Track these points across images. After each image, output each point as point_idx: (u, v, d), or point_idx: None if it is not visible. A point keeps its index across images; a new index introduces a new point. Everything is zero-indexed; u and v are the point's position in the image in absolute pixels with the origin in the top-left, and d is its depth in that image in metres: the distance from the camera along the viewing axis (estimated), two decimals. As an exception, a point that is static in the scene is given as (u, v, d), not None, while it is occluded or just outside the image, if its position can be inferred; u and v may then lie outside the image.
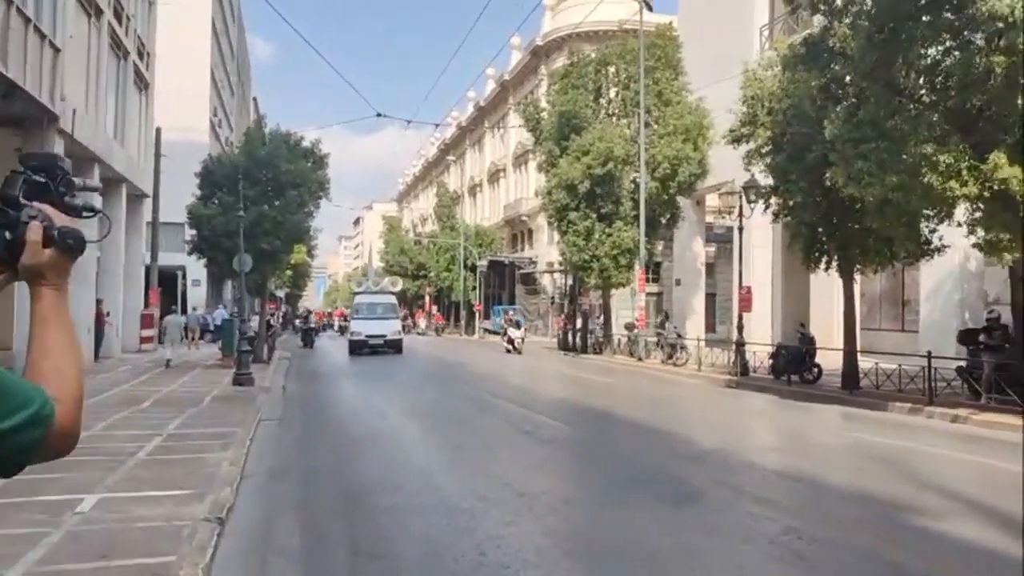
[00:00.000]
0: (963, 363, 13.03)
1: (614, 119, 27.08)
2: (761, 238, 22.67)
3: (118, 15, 21.30)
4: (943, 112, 11.19)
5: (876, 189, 10.96)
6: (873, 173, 10.90)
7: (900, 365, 13.77)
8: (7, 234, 1.20)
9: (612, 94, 27.43)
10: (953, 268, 18.54)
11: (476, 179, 62.33)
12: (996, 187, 10.16)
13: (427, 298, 56.57)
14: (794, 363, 16.37)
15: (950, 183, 10.21)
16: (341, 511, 6.42)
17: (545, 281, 45.52)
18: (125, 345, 23.66)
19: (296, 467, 8.32)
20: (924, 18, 11.02)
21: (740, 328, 18.39)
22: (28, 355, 1.22)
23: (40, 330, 1.21)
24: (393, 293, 33.16)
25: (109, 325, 21.64)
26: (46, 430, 1.14)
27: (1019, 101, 10.02)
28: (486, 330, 45.76)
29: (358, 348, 26.96)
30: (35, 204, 1.23)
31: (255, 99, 71.31)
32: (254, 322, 24.04)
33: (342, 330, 42.27)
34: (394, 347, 27.26)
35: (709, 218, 31.37)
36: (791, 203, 15.59)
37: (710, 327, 30.80)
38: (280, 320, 48.43)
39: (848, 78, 12.61)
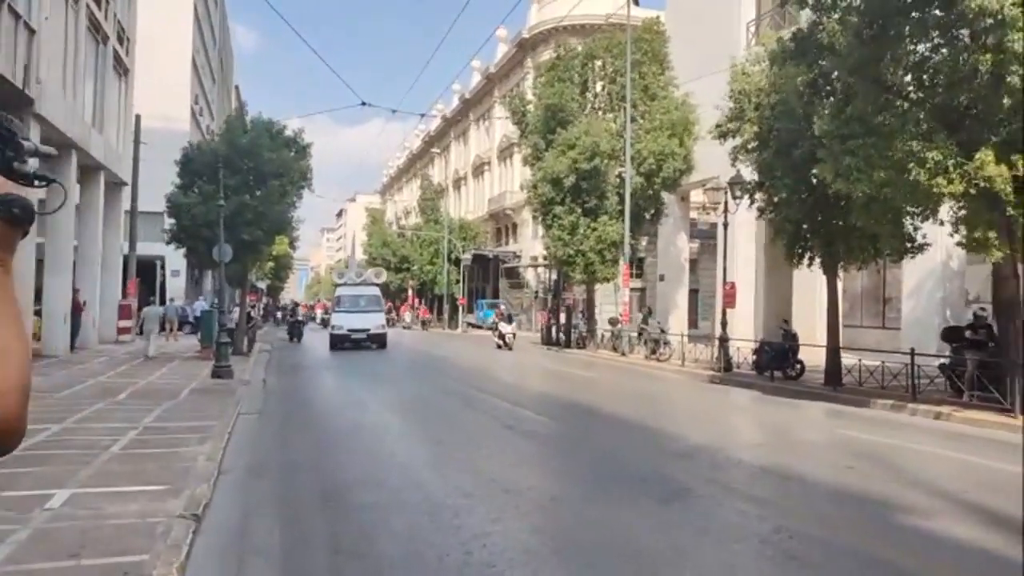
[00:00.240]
0: (946, 360, 13.07)
1: (600, 113, 27.00)
2: (745, 234, 22.70)
3: (97, -2, 20.86)
4: (930, 109, 11.18)
5: (864, 185, 10.94)
6: (861, 169, 10.88)
7: (883, 362, 13.81)
8: None
9: (598, 88, 27.34)
10: (935, 266, 18.65)
11: (460, 172, 62.05)
12: (982, 185, 10.17)
13: (410, 291, 56.27)
14: (777, 359, 16.39)
15: (937, 180, 10.20)
16: (321, 508, 6.26)
17: (529, 275, 45.42)
18: (102, 336, 23.27)
19: (275, 462, 8.15)
20: (913, 14, 11.00)
21: (724, 324, 18.38)
22: None
23: None
24: (377, 285, 31.62)
25: (86, 315, 21.26)
26: None
27: (1005, 100, 10.03)
28: (470, 324, 45.60)
29: (339, 342, 25.99)
30: None
31: (237, 87, 70.46)
32: (235, 314, 23.70)
33: (324, 323, 41.70)
34: (377, 342, 26.30)
35: (693, 214, 31.44)
36: (776, 199, 15.57)
37: (693, 323, 30.89)
38: (261, 312, 48.01)
39: (836, 74, 12.58)
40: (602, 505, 6.31)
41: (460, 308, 46.44)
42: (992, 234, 10.37)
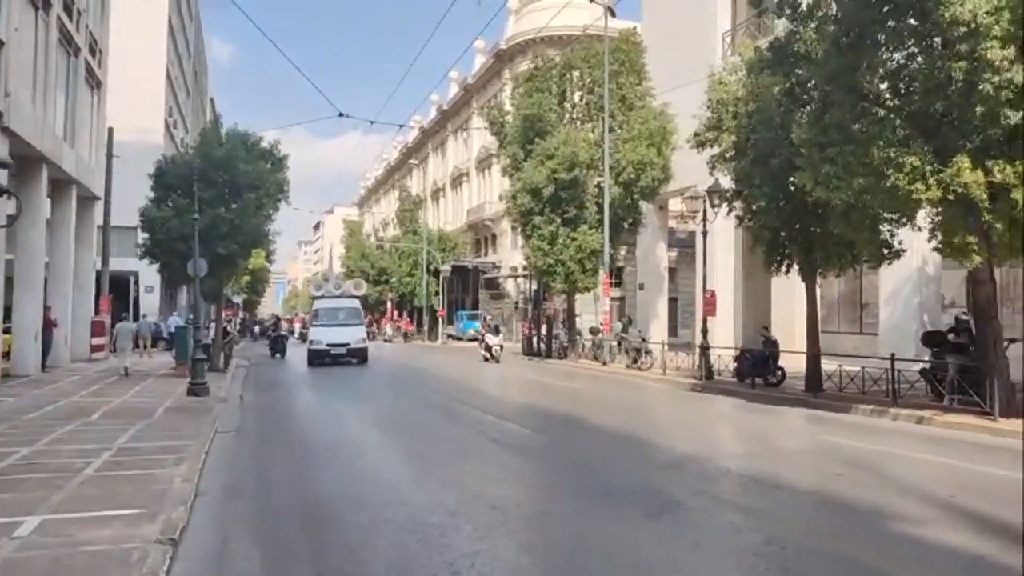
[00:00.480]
0: (927, 365, 13.16)
1: (578, 123, 27.07)
2: (724, 242, 22.82)
3: (68, 9, 20.48)
4: (906, 116, 11.29)
5: (843, 193, 10.99)
6: (840, 177, 10.94)
7: (863, 367, 13.88)
8: None
9: (576, 98, 27.42)
10: (911, 272, 18.84)
11: (439, 183, 61.94)
12: (958, 191, 10.26)
13: (389, 303, 55.91)
14: (758, 366, 16.44)
15: (915, 185, 10.28)
16: (303, 530, 6.07)
17: (509, 286, 45.35)
18: (75, 353, 22.77)
19: (254, 482, 7.94)
20: (889, 23, 11.11)
21: (704, 332, 18.41)
22: None
23: None
24: (357, 297, 30.51)
25: (58, 332, 20.79)
26: None
27: (978, 107, 10.14)
28: (449, 336, 45.36)
29: (318, 358, 24.82)
30: None
31: (212, 100, 69.84)
32: (211, 329, 23.32)
33: (303, 337, 41.05)
34: (358, 356, 25.25)
35: (672, 223, 31.59)
36: (755, 207, 15.64)
37: (673, 331, 30.95)
38: (238, 327, 47.36)
39: (813, 82, 12.67)
40: (592, 520, 6.19)
41: (440, 320, 46.13)
42: (971, 239, 10.45)
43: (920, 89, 11.02)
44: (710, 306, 19.04)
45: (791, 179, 13.66)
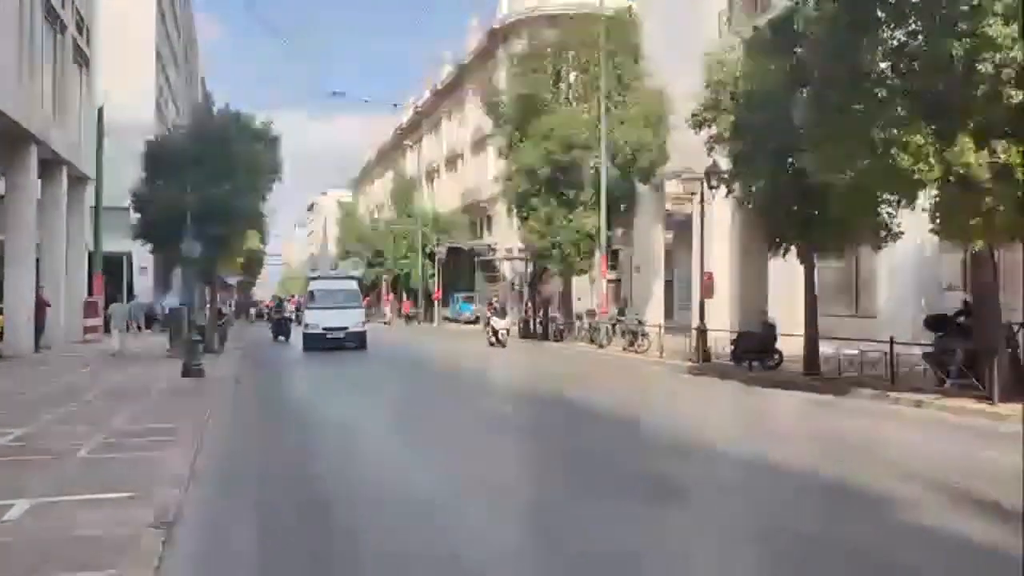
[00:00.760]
0: (930, 349, 12.99)
1: (574, 104, 26.82)
2: (721, 224, 22.68)
3: (53, -15, 20.14)
4: (908, 96, 11.14)
5: (845, 174, 10.86)
6: (843, 158, 10.80)
7: (862, 351, 13.83)
8: None
9: (572, 78, 27.14)
10: (909, 255, 18.72)
11: (434, 164, 61.51)
12: (961, 172, 10.15)
13: (384, 285, 55.71)
14: (755, 349, 16.39)
15: (919, 165, 10.15)
16: (301, 513, 6.00)
17: (505, 268, 45.19)
18: (68, 335, 22.62)
19: (250, 464, 7.85)
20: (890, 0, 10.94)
21: (702, 314, 18.34)
22: None
23: None
24: (355, 278, 28.93)
25: (51, 313, 20.61)
26: None
27: (981, 87, 10.01)
28: (445, 318, 45.22)
29: (314, 343, 23.41)
30: None
31: (203, 80, 69.09)
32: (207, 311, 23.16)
33: (297, 320, 40.70)
34: (357, 341, 23.77)
35: (668, 205, 31.39)
36: (753, 188, 15.51)
37: (668, 313, 30.91)
38: (232, 308, 47.21)
39: (813, 61, 12.49)
40: (595, 506, 6.11)
41: (436, 303, 45.93)
42: (974, 221, 10.35)
43: (922, 68, 10.87)
44: (707, 288, 18.96)
45: (790, 160, 13.52)
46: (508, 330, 25.91)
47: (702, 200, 18.32)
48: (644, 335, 21.60)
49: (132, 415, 10.11)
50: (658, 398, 13.77)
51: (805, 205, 14.31)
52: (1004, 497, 6.06)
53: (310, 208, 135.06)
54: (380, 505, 6.10)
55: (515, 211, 27.85)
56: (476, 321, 41.30)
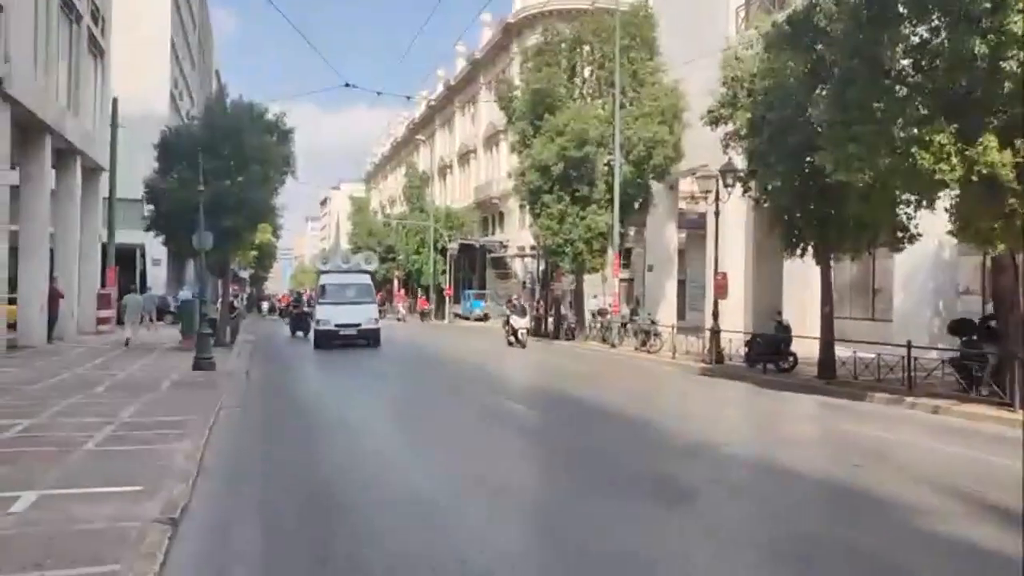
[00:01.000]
0: (954, 354, 12.68)
1: (588, 99, 26.62)
2: (735, 224, 22.46)
3: (69, -25, 20.16)
4: (929, 93, 10.93)
5: (865, 174, 10.67)
6: (863, 157, 10.60)
7: (879, 354, 13.62)
8: None
9: (586, 73, 26.94)
10: (927, 257, 18.47)
11: (446, 160, 61.45)
12: (984, 171, 9.94)
13: (396, 281, 55.71)
14: (769, 351, 16.20)
15: (940, 165, 9.94)
16: (306, 511, 5.92)
17: (516, 265, 45.05)
18: (81, 326, 22.71)
19: (258, 460, 7.80)
20: (912, -6, 10.72)
21: (715, 315, 18.16)
22: None
23: None
24: (368, 272, 27.34)
25: (64, 304, 20.67)
26: None
27: (1005, 84, 9.79)
28: (456, 315, 45.14)
29: (326, 340, 22.41)
30: None
31: (217, 72, 69.26)
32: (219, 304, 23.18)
33: (308, 315, 40.39)
34: (370, 338, 22.76)
35: (682, 204, 31.19)
36: (769, 187, 15.31)
37: (681, 314, 30.71)
38: (244, 302, 47.33)
39: (833, 58, 12.29)
40: (605, 508, 6.00)
41: (447, 299, 45.83)
42: (997, 224, 10.13)
43: (944, 65, 10.66)
44: (721, 289, 18.77)
45: (808, 158, 13.32)
46: (527, 329, 24.96)
47: (717, 198, 18.12)
48: (656, 335, 21.43)
49: (141, 407, 10.08)
50: (668, 399, 13.62)
51: (823, 204, 14.11)
52: (1018, 504, 5.90)
53: (323, 203, 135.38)
54: (388, 505, 6.01)
55: (527, 208, 27.67)
56: (485, 318, 41.17)
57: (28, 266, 18.41)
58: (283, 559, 4.90)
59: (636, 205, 26.00)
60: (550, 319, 28.19)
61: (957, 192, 11.02)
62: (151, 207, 20.61)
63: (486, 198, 49.59)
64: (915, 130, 10.32)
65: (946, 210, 11.52)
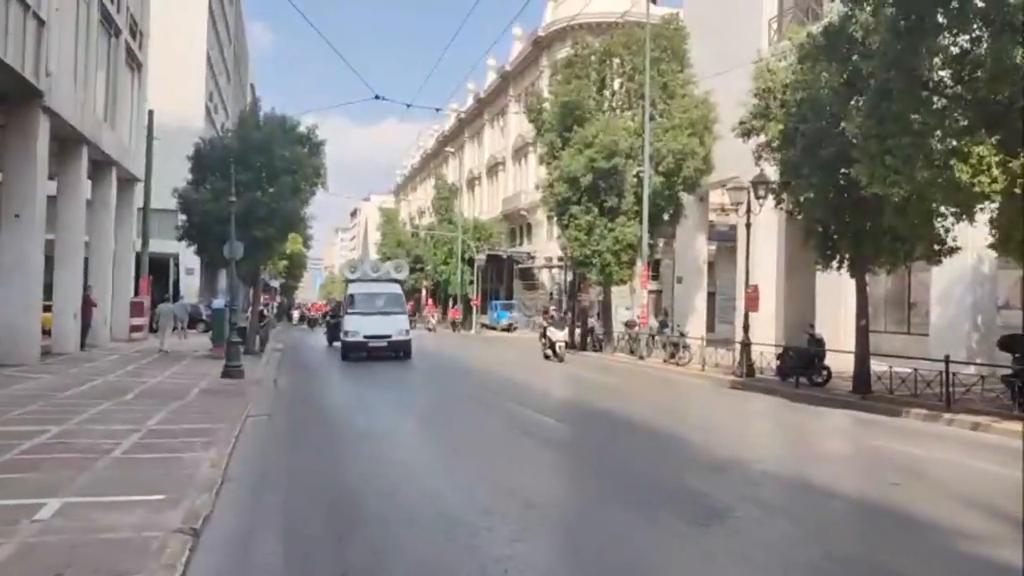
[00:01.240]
0: (1009, 371, 12.25)
1: (618, 111, 26.50)
2: (766, 236, 22.12)
3: (109, -9, 20.62)
4: (969, 104, 10.65)
5: (903, 187, 10.41)
6: (900, 171, 10.35)
7: (916, 369, 13.25)
8: None
9: (616, 85, 26.83)
10: (965, 270, 18.00)
11: (475, 172, 61.70)
12: (1028, 184, 9.64)
13: (424, 291, 55.90)
14: (802, 365, 15.86)
15: (980, 177, 9.67)
16: (330, 523, 5.84)
17: (544, 276, 44.95)
18: (114, 334, 23.07)
19: (283, 470, 7.76)
20: (952, 4, 10.48)
21: (746, 327, 17.85)
22: None
23: None
24: (398, 281, 26.28)
25: (97, 312, 21.03)
26: None
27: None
28: (484, 325, 45.13)
29: (354, 351, 21.50)
30: None
31: (252, 86, 70.49)
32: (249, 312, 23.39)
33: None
34: (400, 350, 21.75)
35: (712, 216, 30.87)
36: (802, 199, 15.04)
37: (710, 326, 30.33)
38: (275, 311, 47.82)
39: (870, 70, 12.05)
40: (633, 526, 5.83)
41: (474, 309, 45.84)
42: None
43: (986, 76, 10.38)
44: (752, 301, 18.47)
45: (842, 170, 13.06)
46: (566, 343, 23.83)
47: (748, 210, 17.86)
48: (686, 347, 21.15)
49: (169, 415, 10.14)
50: (699, 413, 13.37)
51: (858, 217, 13.82)
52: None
53: (353, 214, 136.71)
54: (411, 518, 5.92)
55: (555, 219, 27.56)
56: (510, 328, 41.14)
57: (63, 274, 18.75)
58: (305, 570, 4.83)
59: (666, 217, 25.77)
60: (577, 330, 27.99)
61: (997, 205, 10.72)
62: (183, 217, 20.91)
63: (514, 209, 49.64)
64: (954, 142, 10.06)
65: (989, 223, 11.19)
